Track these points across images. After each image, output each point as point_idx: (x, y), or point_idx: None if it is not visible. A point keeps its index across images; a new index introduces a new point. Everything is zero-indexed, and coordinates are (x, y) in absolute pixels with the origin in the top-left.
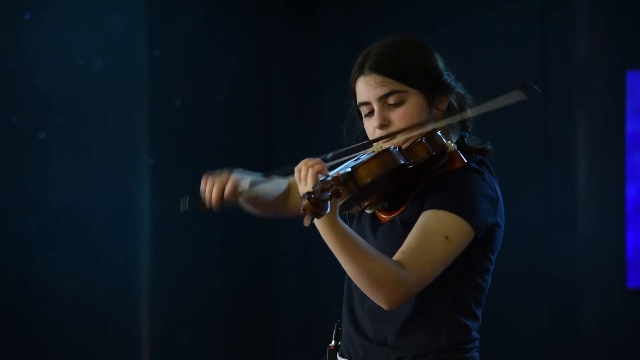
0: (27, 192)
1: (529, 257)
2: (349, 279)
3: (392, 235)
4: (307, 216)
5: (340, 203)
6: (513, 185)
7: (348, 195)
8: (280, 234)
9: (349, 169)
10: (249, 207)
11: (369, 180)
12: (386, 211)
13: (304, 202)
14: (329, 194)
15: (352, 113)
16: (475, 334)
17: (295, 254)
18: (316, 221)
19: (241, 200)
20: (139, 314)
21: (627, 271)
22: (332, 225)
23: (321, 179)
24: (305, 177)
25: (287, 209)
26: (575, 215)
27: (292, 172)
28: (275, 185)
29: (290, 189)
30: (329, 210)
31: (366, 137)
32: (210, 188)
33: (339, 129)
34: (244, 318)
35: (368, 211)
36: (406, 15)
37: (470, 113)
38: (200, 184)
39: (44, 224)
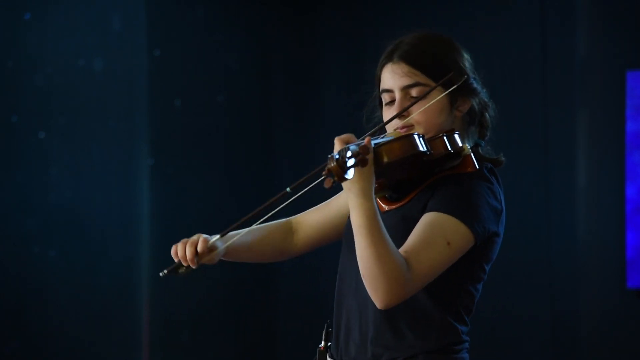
0: (27, 192)
1: (529, 257)
2: (340, 278)
3: (387, 226)
4: (329, 178)
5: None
6: (513, 185)
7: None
8: None
9: (372, 145)
10: (241, 258)
11: (387, 160)
12: (387, 201)
13: (331, 164)
14: (355, 160)
15: (373, 101)
16: (464, 337)
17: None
18: (353, 193)
19: (220, 253)
20: (139, 314)
21: (627, 271)
22: (366, 201)
23: (350, 146)
24: (337, 145)
25: (292, 248)
26: (575, 215)
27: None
28: (262, 231)
29: (296, 225)
30: (351, 176)
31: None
32: (183, 247)
33: (338, 129)
34: (244, 318)
35: None
36: (406, 17)
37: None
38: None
39: (44, 224)
